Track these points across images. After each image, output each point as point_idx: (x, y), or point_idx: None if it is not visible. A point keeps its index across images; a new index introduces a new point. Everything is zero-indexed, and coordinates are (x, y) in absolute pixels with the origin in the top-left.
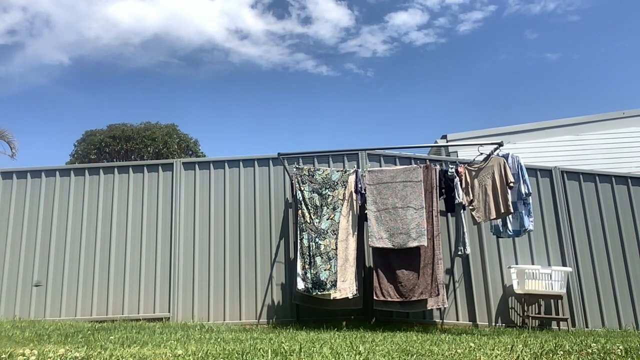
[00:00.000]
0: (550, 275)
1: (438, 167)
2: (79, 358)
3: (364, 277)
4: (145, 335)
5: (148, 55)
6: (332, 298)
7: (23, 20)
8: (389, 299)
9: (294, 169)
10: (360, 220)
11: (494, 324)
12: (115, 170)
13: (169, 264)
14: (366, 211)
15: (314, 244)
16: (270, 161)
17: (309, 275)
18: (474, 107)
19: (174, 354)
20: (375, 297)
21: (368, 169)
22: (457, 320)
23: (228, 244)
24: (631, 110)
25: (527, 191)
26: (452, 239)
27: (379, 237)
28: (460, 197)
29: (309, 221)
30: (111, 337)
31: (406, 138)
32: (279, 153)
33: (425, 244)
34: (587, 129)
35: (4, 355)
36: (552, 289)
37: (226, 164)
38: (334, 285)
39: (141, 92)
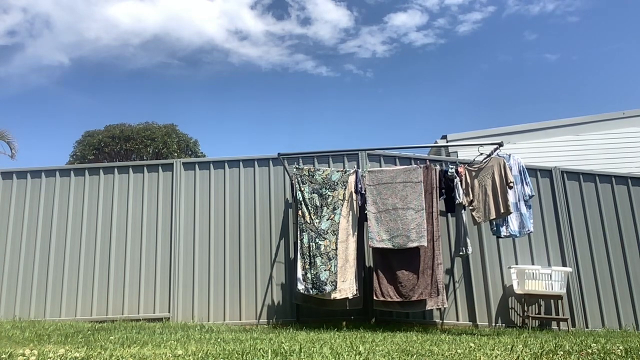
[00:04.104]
0: (550, 276)
1: (438, 167)
2: (79, 358)
3: (364, 277)
4: (145, 336)
5: (148, 56)
6: (332, 298)
7: (23, 21)
8: (389, 299)
9: (294, 169)
10: (360, 221)
11: (494, 324)
12: (115, 170)
13: (169, 264)
14: (366, 211)
15: (314, 244)
16: (270, 161)
17: (309, 275)
18: (473, 107)
19: (174, 354)
20: (375, 298)
21: (368, 169)
22: (457, 320)
23: (228, 244)
24: (631, 110)
25: (530, 193)
26: (452, 239)
27: (379, 239)
28: (461, 197)
29: (309, 221)
30: (111, 338)
31: (406, 138)
32: (279, 153)
33: (426, 245)
34: (587, 129)
35: (4, 356)
36: (552, 289)
37: (226, 164)
38: (334, 285)
39: (141, 93)
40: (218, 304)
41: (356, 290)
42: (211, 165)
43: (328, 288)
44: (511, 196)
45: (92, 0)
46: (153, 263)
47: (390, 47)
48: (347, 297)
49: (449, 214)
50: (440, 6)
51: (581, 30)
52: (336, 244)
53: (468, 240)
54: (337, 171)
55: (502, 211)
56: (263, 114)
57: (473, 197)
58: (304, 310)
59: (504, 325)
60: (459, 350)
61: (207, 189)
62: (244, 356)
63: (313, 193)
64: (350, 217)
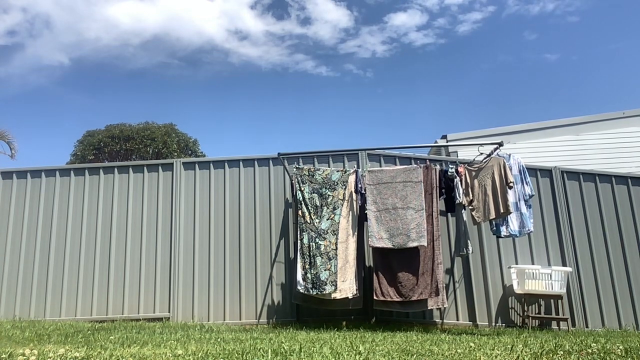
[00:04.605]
0: (550, 275)
1: (438, 167)
2: (79, 358)
3: (364, 277)
4: (145, 335)
5: (148, 55)
6: (332, 298)
7: (23, 21)
8: (389, 299)
9: (294, 169)
10: (361, 221)
11: (494, 324)
12: (115, 170)
13: (169, 264)
14: (366, 211)
15: (314, 244)
16: (270, 161)
17: (309, 275)
18: (473, 107)
19: (174, 354)
20: (375, 297)
21: (368, 169)
22: (457, 320)
23: (228, 244)
24: (631, 110)
25: (530, 192)
26: (452, 239)
27: (379, 238)
28: (461, 197)
29: (309, 221)
30: (111, 337)
31: (406, 138)
32: (279, 153)
33: (426, 244)
34: (586, 129)
35: (4, 355)
36: (552, 289)
37: (226, 164)
38: (334, 285)
39: (141, 93)
40: (218, 304)
41: (356, 290)
42: (211, 165)
43: (328, 288)
44: (511, 196)
45: (92, 0)
46: (153, 263)
47: (390, 47)
48: (347, 297)
49: (449, 214)
50: (440, 6)
51: (581, 30)
52: (336, 244)
53: (468, 240)
54: (337, 171)
55: (502, 211)
56: (263, 114)
57: (473, 197)
58: (304, 310)
59: (504, 325)
60: (459, 350)
61: (207, 189)
62: (244, 356)
63: (313, 193)
64: (350, 217)
